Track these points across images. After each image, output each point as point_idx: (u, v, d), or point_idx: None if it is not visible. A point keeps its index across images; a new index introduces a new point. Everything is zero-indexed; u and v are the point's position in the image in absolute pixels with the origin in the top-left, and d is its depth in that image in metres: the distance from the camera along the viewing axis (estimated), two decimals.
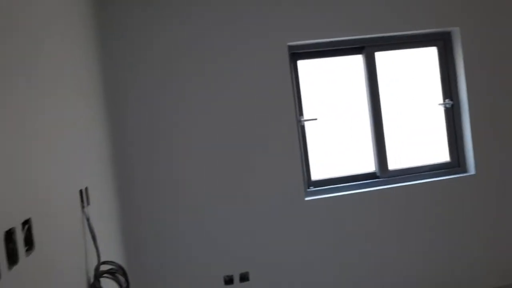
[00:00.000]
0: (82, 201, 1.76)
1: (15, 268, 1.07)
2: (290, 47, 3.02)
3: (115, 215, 2.55)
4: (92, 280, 1.71)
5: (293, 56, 3.07)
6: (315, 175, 3.11)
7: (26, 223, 1.19)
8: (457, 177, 3.19)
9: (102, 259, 1.80)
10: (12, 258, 1.07)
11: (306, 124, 3.09)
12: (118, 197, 2.69)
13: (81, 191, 1.77)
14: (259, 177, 2.93)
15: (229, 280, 2.91)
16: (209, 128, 2.89)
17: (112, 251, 2.23)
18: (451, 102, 3.24)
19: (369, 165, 3.20)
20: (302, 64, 3.10)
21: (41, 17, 1.55)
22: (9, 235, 1.07)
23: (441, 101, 3.27)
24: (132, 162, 2.81)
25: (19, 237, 1.12)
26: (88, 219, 1.75)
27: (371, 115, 3.17)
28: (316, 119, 3.09)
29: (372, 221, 3.06)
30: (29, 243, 1.19)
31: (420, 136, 3.29)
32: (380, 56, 3.18)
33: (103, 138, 2.43)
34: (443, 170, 3.24)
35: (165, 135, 2.84)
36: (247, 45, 2.91)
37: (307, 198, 3.01)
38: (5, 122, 1.11)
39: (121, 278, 1.79)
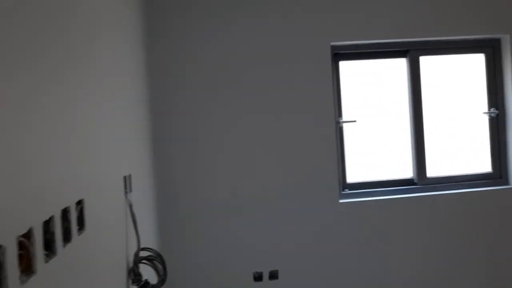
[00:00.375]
0: (125, 187, 1.81)
1: (68, 245, 1.11)
2: (333, 47, 2.99)
3: (152, 205, 2.60)
4: (131, 264, 1.75)
5: (335, 57, 3.04)
6: (351, 178, 3.08)
7: (79, 203, 1.23)
8: (498, 189, 3.09)
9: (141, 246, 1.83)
10: (66, 236, 1.11)
11: (345, 125, 3.05)
12: (156, 188, 2.74)
13: (125, 178, 1.81)
14: (294, 176, 2.92)
15: (258, 277, 2.91)
16: (247, 126, 2.89)
17: (148, 238, 2.27)
18: (496, 111, 3.14)
19: (406, 171, 3.14)
20: (344, 65, 3.07)
21: (97, 14, 1.60)
22: (65, 213, 1.11)
23: (486, 109, 3.17)
24: (171, 156, 2.85)
25: (73, 216, 1.16)
26: (130, 205, 1.79)
27: (412, 120, 3.10)
28: (355, 121, 3.05)
29: (405, 228, 2.99)
30: (80, 223, 1.23)
31: (462, 145, 3.20)
32: (425, 61, 3.12)
33: (145, 132, 2.48)
34: (484, 181, 3.14)
35: (204, 132, 2.87)
36: (290, 44, 2.90)
37: (341, 201, 2.98)
38: (63, 115, 1.15)
39: (159, 266, 1.82)
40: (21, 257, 0.85)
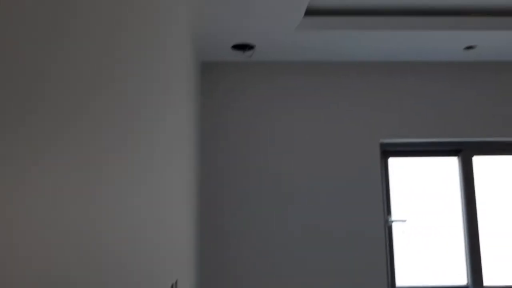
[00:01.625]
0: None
1: None
2: (382, 145, 2.96)
3: None
4: None
5: (385, 154, 3.00)
6: (400, 281, 2.89)
7: (174, 284, 1.17)
8: None
9: None
10: None
11: (394, 225, 2.93)
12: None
13: (172, 285, 1.76)
14: (341, 276, 2.77)
15: None
16: (294, 219, 2.82)
17: None
18: None
19: (460, 277, 2.92)
20: (393, 161, 3.01)
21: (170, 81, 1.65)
22: None
23: None
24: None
25: None
26: None
27: (466, 221, 2.94)
28: (405, 220, 2.93)
29: None
30: None
31: None
32: (479, 160, 3.02)
33: (192, 230, 2.46)
34: None
35: (252, 220, 2.82)
36: (339, 140, 2.90)
37: None
38: (151, 207, 1.14)
39: None
40: None
